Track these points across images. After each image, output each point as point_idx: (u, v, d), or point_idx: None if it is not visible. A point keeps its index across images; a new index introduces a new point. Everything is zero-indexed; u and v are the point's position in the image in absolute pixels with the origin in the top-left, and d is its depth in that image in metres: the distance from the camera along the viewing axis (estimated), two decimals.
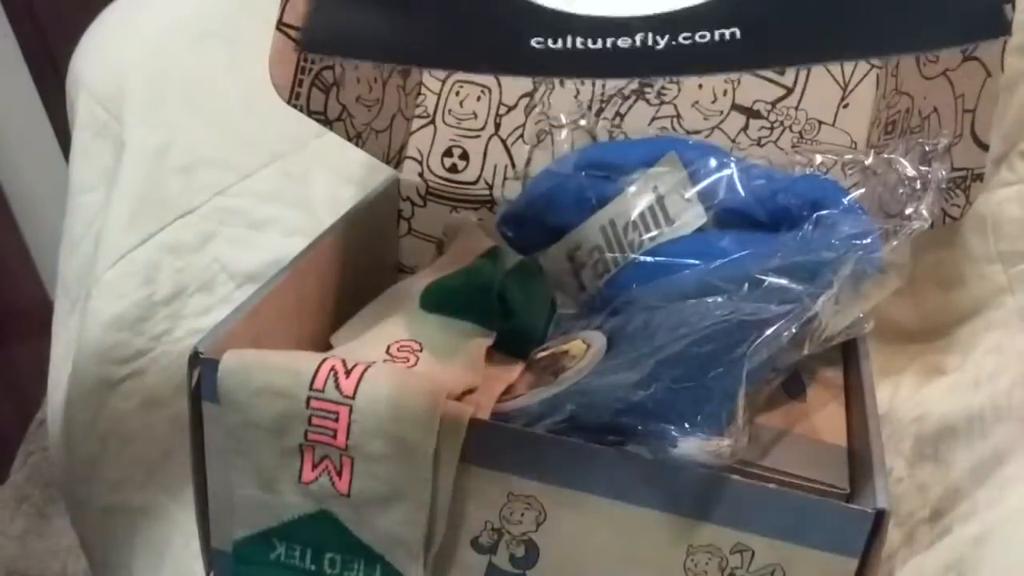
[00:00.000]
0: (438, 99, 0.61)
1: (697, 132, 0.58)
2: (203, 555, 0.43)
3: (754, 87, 0.57)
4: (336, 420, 0.36)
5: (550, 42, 0.35)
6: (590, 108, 0.59)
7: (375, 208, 0.58)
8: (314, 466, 0.37)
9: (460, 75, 0.61)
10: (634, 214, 0.49)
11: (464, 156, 0.61)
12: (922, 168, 0.44)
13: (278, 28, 0.46)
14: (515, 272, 0.50)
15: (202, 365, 0.38)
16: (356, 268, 0.54)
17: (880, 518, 0.33)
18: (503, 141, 0.60)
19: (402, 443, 0.35)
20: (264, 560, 0.39)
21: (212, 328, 0.40)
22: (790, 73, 0.57)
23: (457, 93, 0.61)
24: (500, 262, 0.50)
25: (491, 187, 0.60)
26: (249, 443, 0.38)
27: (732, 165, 0.48)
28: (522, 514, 0.37)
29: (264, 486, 0.38)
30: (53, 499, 1.20)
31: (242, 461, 0.38)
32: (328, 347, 0.47)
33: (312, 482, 0.37)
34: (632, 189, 0.50)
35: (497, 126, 0.60)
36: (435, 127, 0.61)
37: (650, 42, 0.35)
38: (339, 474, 0.37)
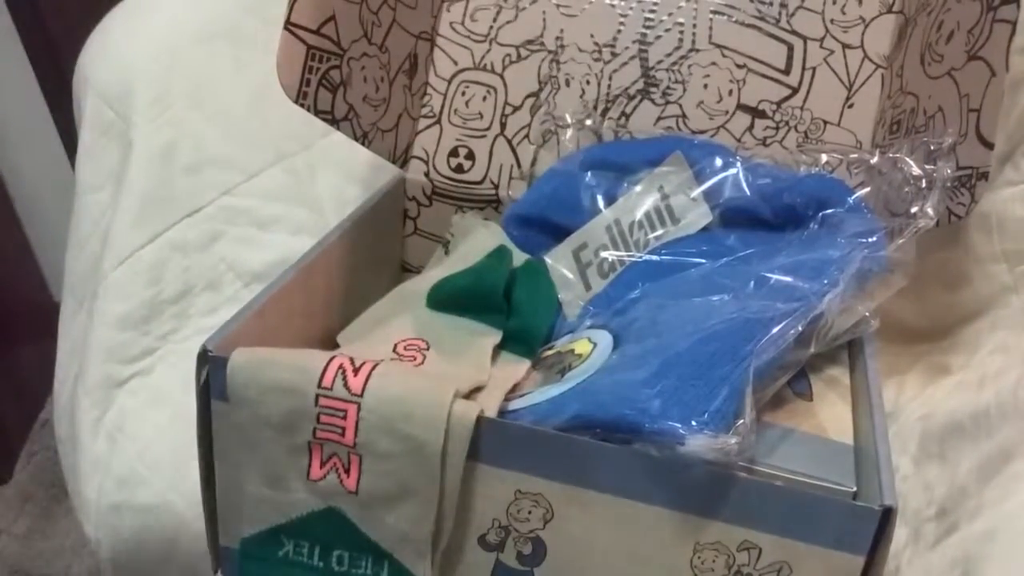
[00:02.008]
0: (444, 99, 0.61)
1: (702, 132, 0.58)
2: (211, 553, 0.43)
3: (760, 87, 0.57)
4: (344, 418, 0.36)
5: None
6: (595, 108, 0.59)
7: (381, 207, 0.58)
8: (322, 463, 0.37)
9: (466, 75, 0.61)
10: (640, 213, 0.50)
11: (470, 156, 0.61)
12: (927, 167, 0.44)
13: (286, 28, 0.46)
14: (521, 272, 0.50)
15: (211, 363, 0.38)
16: (362, 267, 0.54)
17: (886, 516, 0.33)
18: (509, 141, 0.60)
19: (410, 441, 0.36)
20: (272, 557, 0.39)
21: (220, 326, 0.40)
22: (795, 73, 0.57)
23: (463, 93, 0.61)
24: (506, 262, 0.50)
25: (497, 187, 0.60)
26: (257, 441, 0.38)
27: (737, 164, 0.48)
28: (529, 512, 0.37)
29: (272, 483, 0.38)
30: (57, 498, 1.20)
31: (250, 459, 0.38)
32: (335, 346, 0.47)
33: (320, 479, 0.37)
34: (638, 188, 0.50)
35: (503, 126, 0.60)
36: (441, 127, 0.61)
37: None
38: (347, 472, 0.37)
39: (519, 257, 0.52)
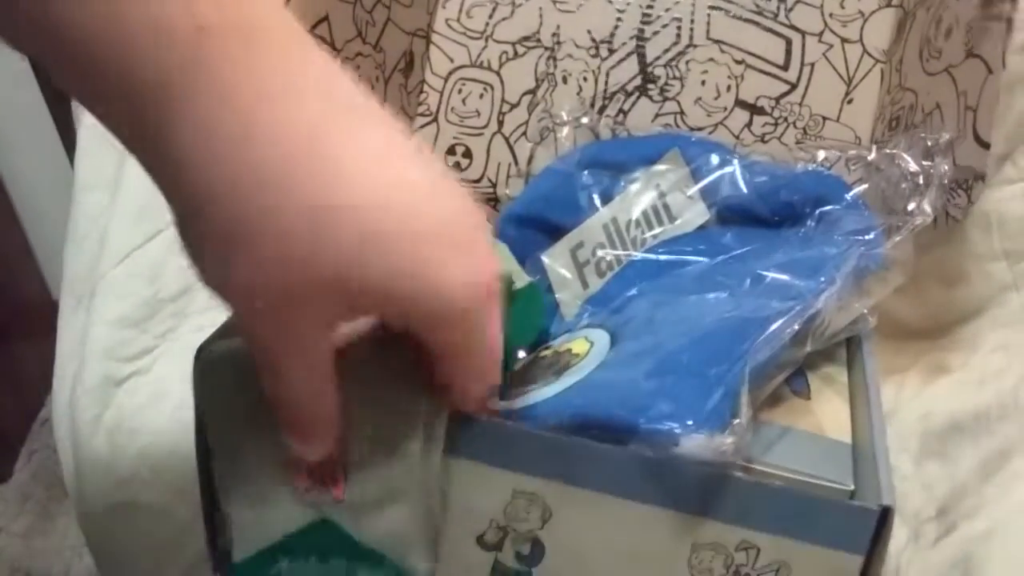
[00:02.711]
0: (440, 97, 0.61)
1: (700, 129, 0.58)
2: (210, 555, 0.43)
3: (758, 83, 0.57)
4: None
5: None
6: (593, 105, 0.59)
7: None
8: (308, 474, 0.37)
9: (463, 72, 0.61)
10: (637, 212, 0.49)
11: (467, 154, 0.61)
12: (925, 163, 0.44)
13: None
14: (515, 302, 0.48)
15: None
16: None
17: (885, 515, 0.33)
18: (506, 139, 0.60)
19: (386, 437, 0.35)
20: None
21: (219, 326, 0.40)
22: (794, 68, 0.57)
23: (460, 91, 0.61)
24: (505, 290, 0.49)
25: (494, 185, 0.60)
26: (239, 462, 0.37)
27: (735, 162, 0.48)
28: (527, 512, 0.37)
29: (260, 503, 0.38)
30: (57, 498, 1.20)
31: (234, 480, 0.38)
32: None
33: (308, 491, 0.37)
34: (635, 187, 0.50)
35: (500, 124, 0.60)
36: (438, 125, 0.61)
37: None
38: (333, 480, 0.37)
39: (521, 279, 0.50)
